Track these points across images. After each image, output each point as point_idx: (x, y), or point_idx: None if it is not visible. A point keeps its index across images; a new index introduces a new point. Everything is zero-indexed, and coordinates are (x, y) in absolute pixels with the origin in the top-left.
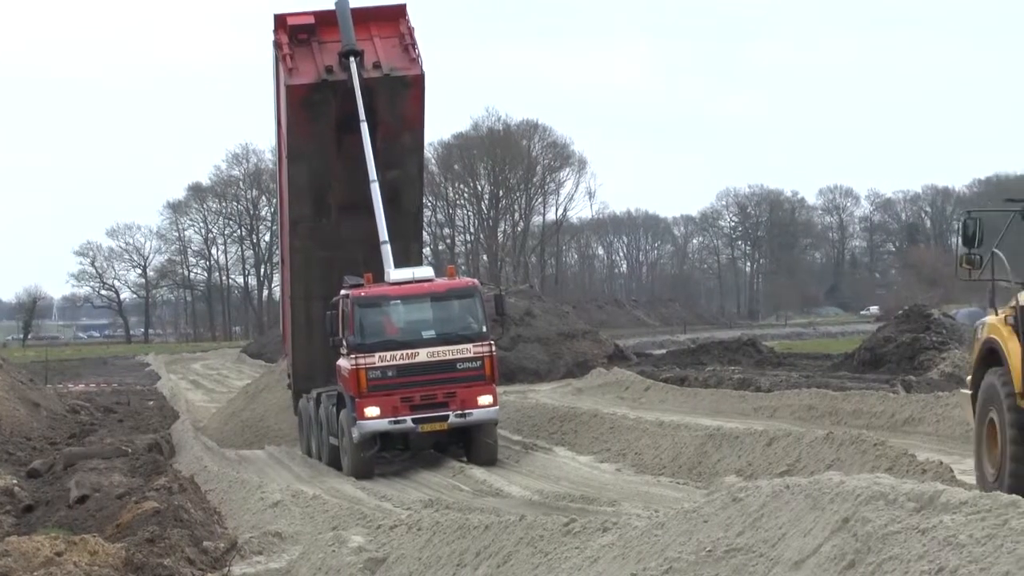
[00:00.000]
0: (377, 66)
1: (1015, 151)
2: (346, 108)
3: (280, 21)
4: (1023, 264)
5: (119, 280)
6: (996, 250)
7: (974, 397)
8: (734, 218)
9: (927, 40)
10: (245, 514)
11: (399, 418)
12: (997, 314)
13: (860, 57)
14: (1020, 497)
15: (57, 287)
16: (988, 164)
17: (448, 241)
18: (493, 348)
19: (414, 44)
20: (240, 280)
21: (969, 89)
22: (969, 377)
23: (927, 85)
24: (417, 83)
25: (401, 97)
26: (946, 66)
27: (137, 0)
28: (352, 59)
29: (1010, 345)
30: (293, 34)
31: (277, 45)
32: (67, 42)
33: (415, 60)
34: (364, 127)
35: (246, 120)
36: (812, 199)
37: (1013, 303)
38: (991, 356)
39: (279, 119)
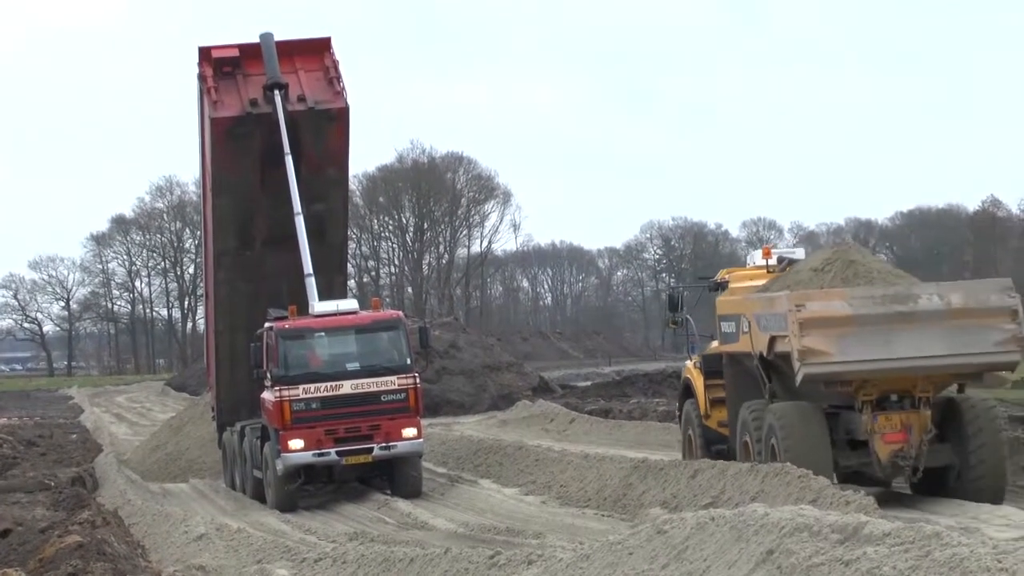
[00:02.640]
0: (302, 99)
1: (937, 184)
2: (271, 141)
3: (205, 54)
4: (712, 320)
5: (42, 313)
6: (688, 316)
7: (680, 420)
8: (658, 250)
9: (849, 74)
10: (169, 548)
11: (323, 451)
12: (692, 360)
13: (781, 90)
14: (943, 529)
15: None
16: (910, 197)
17: (373, 273)
18: (418, 380)
19: (339, 77)
20: (164, 313)
21: (891, 123)
22: (677, 404)
23: (849, 118)
24: (342, 116)
25: (326, 130)
26: (868, 100)
27: (61, 26)
28: (277, 92)
29: (698, 382)
30: (218, 67)
31: (201, 78)
32: None
33: (339, 93)
34: (289, 160)
35: (170, 152)
36: (736, 231)
37: (703, 352)
38: (688, 391)
39: (203, 151)
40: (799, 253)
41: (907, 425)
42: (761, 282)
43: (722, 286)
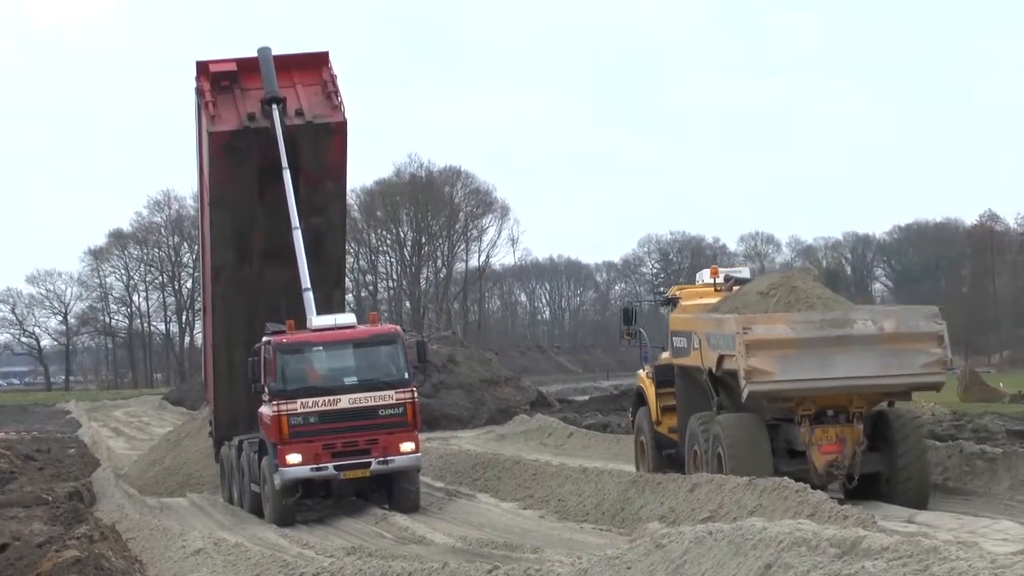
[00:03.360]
0: (300, 113)
1: (934, 198)
2: (268, 155)
3: (202, 68)
4: (664, 332)
5: (39, 327)
6: (641, 329)
7: (632, 425)
8: (656, 264)
9: (847, 87)
10: (167, 562)
11: (321, 465)
12: (644, 370)
13: (780, 104)
14: (941, 543)
15: None
16: (908, 211)
17: (371, 288)
18: (415, 395)
19: (336, 91)
20: (162, 327)
21: (889, 136)
22: (631, 412)
23: (847, 132)
24: (339, 130)
25: (324, 144)
26: (866, 113)
27: (59, 39)
28: (274, 106)
29: (650, 391)
30: (215, 81)
31: (199, 92)
32: None
33: (337, 107)
34: (286, 174)
35: (167, 166)
36: (733, 246)
37: (655, 363)
38: (640, 399)
39: (201, 166)
40: (745, 272)
41: (841, 438)
42: (709, 299)
43: (673, 302)
